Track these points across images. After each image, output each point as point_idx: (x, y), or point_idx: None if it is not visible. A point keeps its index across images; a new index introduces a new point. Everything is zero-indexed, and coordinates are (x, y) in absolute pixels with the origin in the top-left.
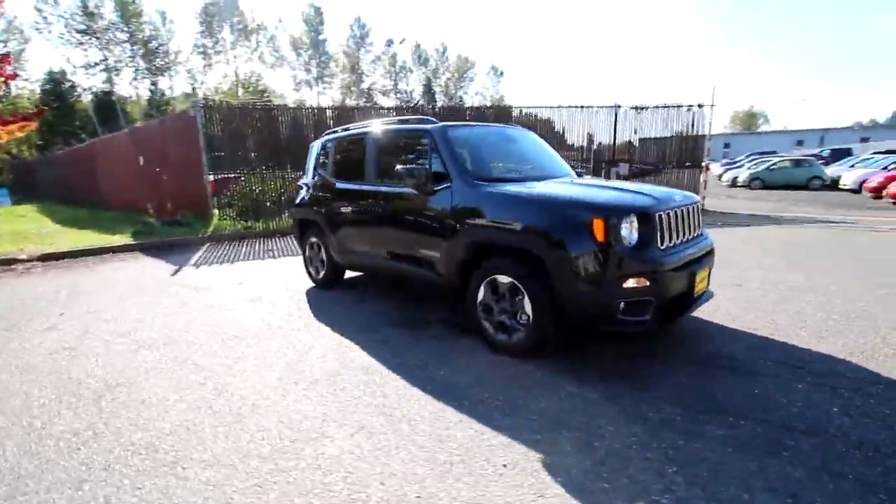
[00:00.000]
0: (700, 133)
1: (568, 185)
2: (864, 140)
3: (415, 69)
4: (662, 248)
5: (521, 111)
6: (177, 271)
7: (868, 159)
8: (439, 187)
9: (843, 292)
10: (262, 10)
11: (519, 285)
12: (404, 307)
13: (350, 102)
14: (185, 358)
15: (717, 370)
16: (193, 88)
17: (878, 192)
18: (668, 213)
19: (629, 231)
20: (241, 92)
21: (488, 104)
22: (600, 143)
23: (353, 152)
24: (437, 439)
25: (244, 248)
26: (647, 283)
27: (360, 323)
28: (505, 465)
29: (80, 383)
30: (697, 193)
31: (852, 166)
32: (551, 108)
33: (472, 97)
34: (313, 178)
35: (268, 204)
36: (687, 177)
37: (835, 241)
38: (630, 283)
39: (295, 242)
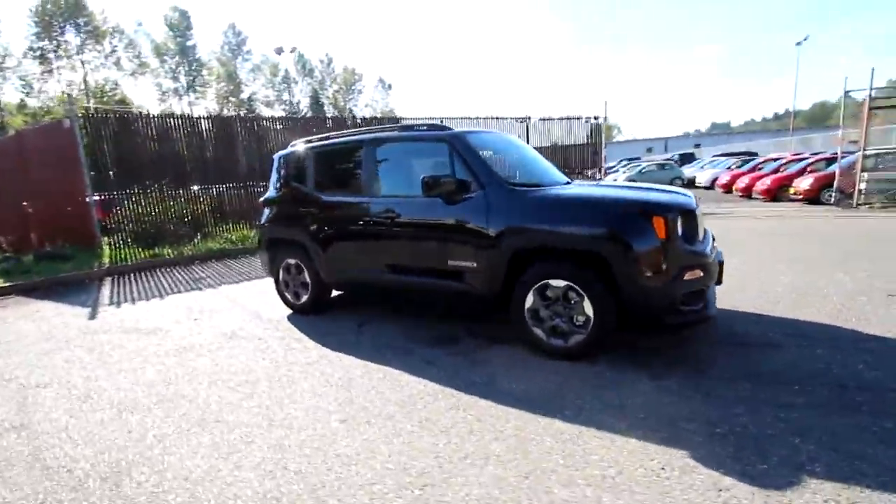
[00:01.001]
0: (598, 142)
1: (604, 188)
2: (697, 146)
3: (300, 80)
4: (701, 241)
5: (441, 123)
6: (93, 314)
7: (713, 161)
8: (468, 195)
9: (779, 270)
10: (116, 11)
11: (576, 287)
12: (416, 325)
13: (269, 112)
14: (200, 417)
15: (747, 347)
16: (25, 97)
17: (727, 188)
18: (699, 210)
19: (680, 227)
20: (92, 102)
21: (378, 116)
22: None
23: (345, 162)
24: (574, 455)
25: (164, 280)
26: (700, 274)
27: (383, 347)
28: (662, 468)
29: (69, 472)
30: None
31: (703, 167)
32: (469, 119)
33: (362, 109)
34: (279, 191)
35: (170, 227)
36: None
37: (731, 228)
38: (688, 274)
39: (228, 268)
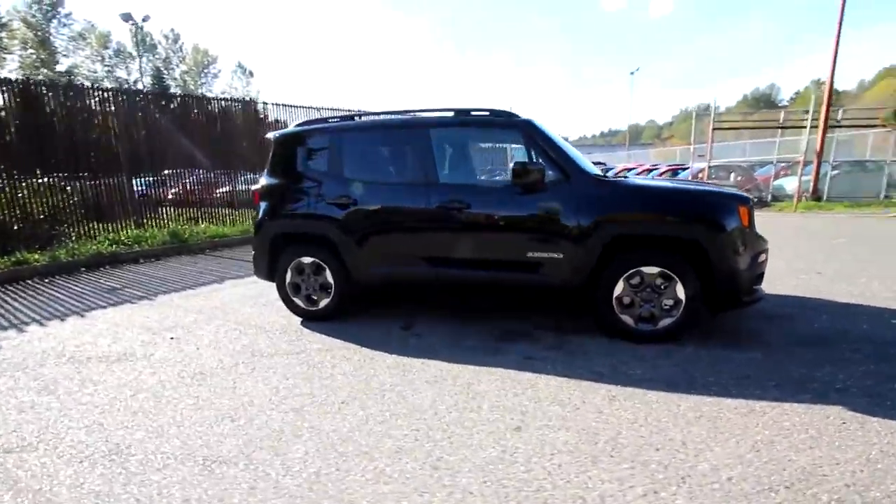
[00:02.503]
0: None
1: (673, 182)
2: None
3: (139, 56)
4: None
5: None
6: None
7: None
8: (553, 184)
9: None
10: None
11: (670, 272)
12: (463, 323)
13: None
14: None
15: (770, 319)
16: None
17: None
18: None
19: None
20: None
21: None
22: None
23: (392, 146)
24: (773, 425)
25: (58, 294)
26: (764, 258)
27: (460, 348)
28: (843, 422)
29: None
30: None
31: None
32: (342, 110)
33: (219, 95)
34: (288, 179)
35: (16, 227)
36: None
37: None
38: (760, 258)
39: (143, 275)
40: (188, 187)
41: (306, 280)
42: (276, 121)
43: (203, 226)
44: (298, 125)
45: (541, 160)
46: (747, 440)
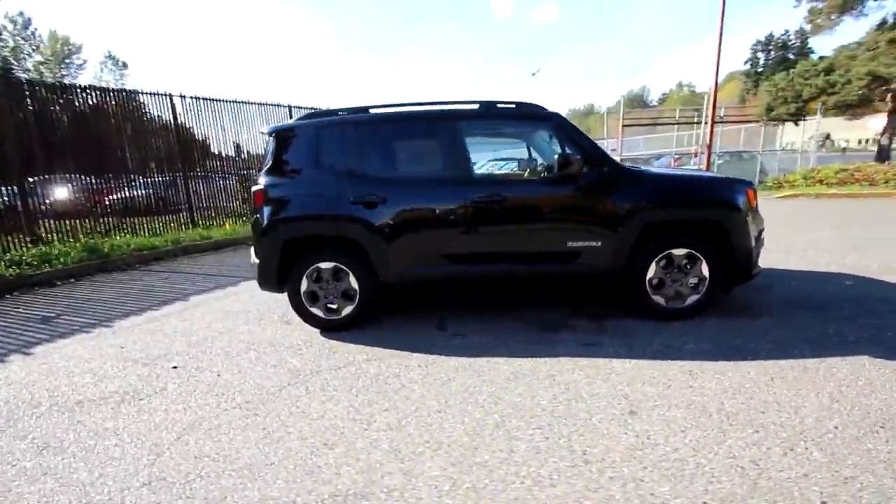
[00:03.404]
0: None
1: (687, 171)
2: None
3: None
4: None
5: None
6: None
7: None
8: (590, 174)
9: None
10: None
11: (697, 253)
12: (496, 318)
13: None
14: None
15: (760, 289)
16: None
17: None
18: None
19: None
20: None
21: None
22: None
23: (423, 140)
24: (811, 383)
25: None
26: (763, 237)
27: (519, 343)
28: (864, 365)
29: None
30: None
31: None
32: (237, 102)
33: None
34: (301, 177)
35: None
36: None
37: None
38: (762, 234)
39: (75, 298)
40: (71, 194)
41: (325, 287)
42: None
43: (125, 238)
44: (305, 119)
45: (573, 151)
46: (822, 394)
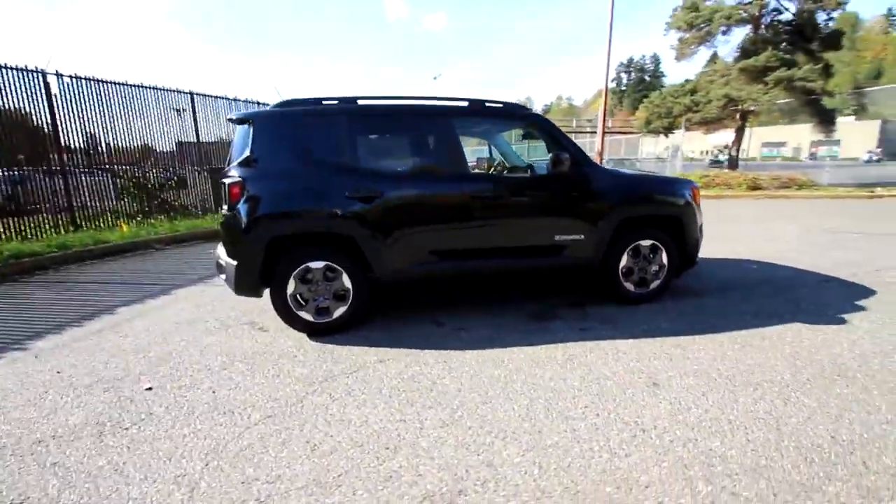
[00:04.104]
0: None
1: (641, 171)
2: None
3: None
4: None
5: None
6: None
7: None
8: (577, 172)
9: None
10: None
11: (658, 244)
12: (501, 309)
13: None
14: None
15: (696, 274)
16: None
17: None
18: None
19: None
20: None
21: None
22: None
23: (415, 134)
24: (777, 345)
25: None
26: (702, 229)
27: (523, 332)
28: (812, 331)
29: None
30: None
31: None
32: (132, 86)
33: None
34: (286, 170)
35: None
36: None
37: None
38: (702, 228)
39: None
40: None
41: (314, 288)
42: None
43: None
44: (285, 105)
45: (559, 151)
46: (784, 355)
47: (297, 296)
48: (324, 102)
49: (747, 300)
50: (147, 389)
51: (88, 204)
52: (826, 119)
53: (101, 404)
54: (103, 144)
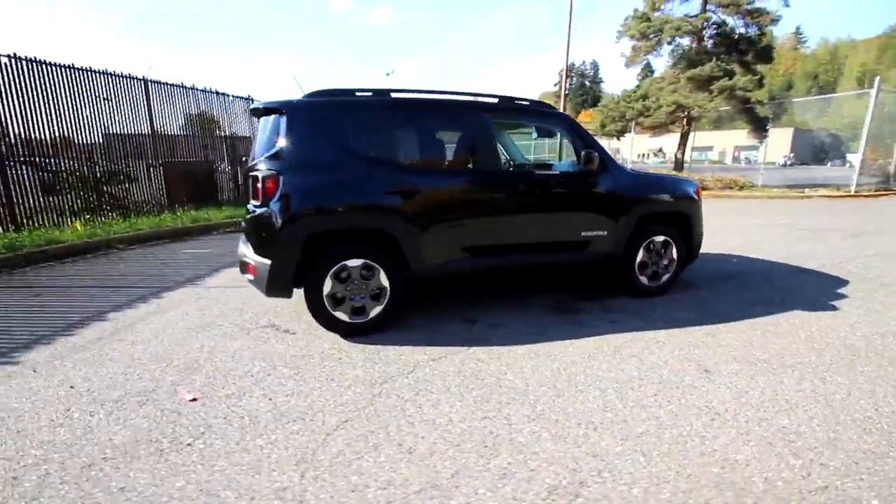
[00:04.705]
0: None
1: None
2: None
3: None
4: None
5: None
6: None
7: None
8: (603, 170)
9: None
10: None
11: (670, 240)
12: (522, 303)
13: None
14: None
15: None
16: None
17: None
18: None
19: None
20: None
21: None
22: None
23: (447, 130)
24: (794, 332)
25: None
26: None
27: (558, 325)
28: (814, 318)
29: None
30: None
31: None
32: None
33: None
34: (324, 161)
35: None
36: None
37: None
38: None
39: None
40: None
41: (350, 287)
42: None
43: None
44: (317, 95)
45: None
46: (802, 338)
47: (334, 295)
48: (357, 94)
49: (742, 290)
50: (192, 401)
51: (27, 200)
52: (760, 126)
53: (143, 420)
54: (47, 134)
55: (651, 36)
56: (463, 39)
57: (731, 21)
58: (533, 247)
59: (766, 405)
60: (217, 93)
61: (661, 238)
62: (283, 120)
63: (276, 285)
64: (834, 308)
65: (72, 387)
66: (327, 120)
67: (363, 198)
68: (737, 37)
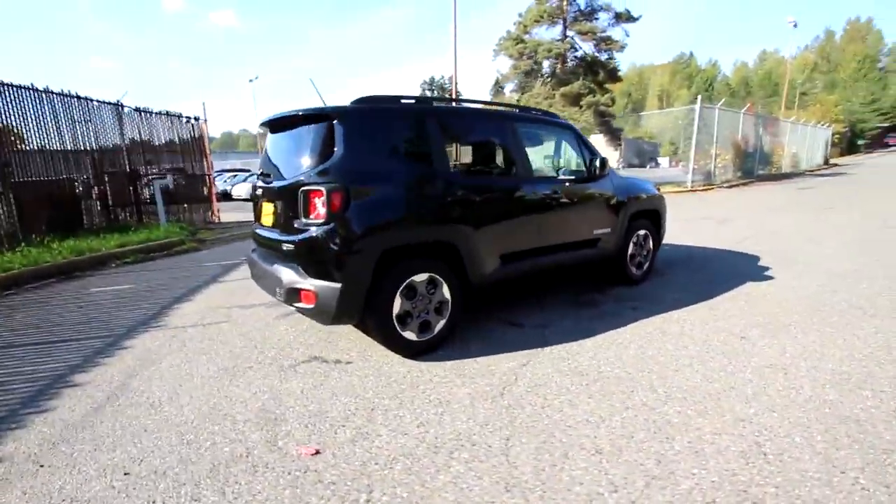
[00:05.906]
0: (203, 145)
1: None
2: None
3: None
4: None
5: None
6: None
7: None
8: (604, 175)
9: None
10: None
11: (648, 233)
12: (544, 303)
13: None
14: None
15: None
16: None
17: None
18: None
19: None
20: None
21: None
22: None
23: (490, 137)
24: (780, 305)
25: None
26: None
27: (593, 319)
28: (741, 304)
29: None
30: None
31: (243, 181)
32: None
33: None
34: (400, 174)
35: None
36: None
37: None
38: None
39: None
40: None
41: (416, 304)
42: None
43: None
44: (365, 102)
45: (587, 154)
46: (779, 301)
47: (403, 315)
48: (402, 101)
49: (695, 272)
50: (314, 454)
51: None
52: (615, 136)
53: (283, 489)
54: None
55: (526, 57)
56: (315, 50)
57: (587, 47)
58: (560, 247)
59: (806, 355)
60: (78, 97)
61: (643, 231)
62: (341, 128)
63: (346, 310)
64: (772, 278)
65: (126, 474)
66: (385, 128)
67: (427, 209)
68: (590, 59)
